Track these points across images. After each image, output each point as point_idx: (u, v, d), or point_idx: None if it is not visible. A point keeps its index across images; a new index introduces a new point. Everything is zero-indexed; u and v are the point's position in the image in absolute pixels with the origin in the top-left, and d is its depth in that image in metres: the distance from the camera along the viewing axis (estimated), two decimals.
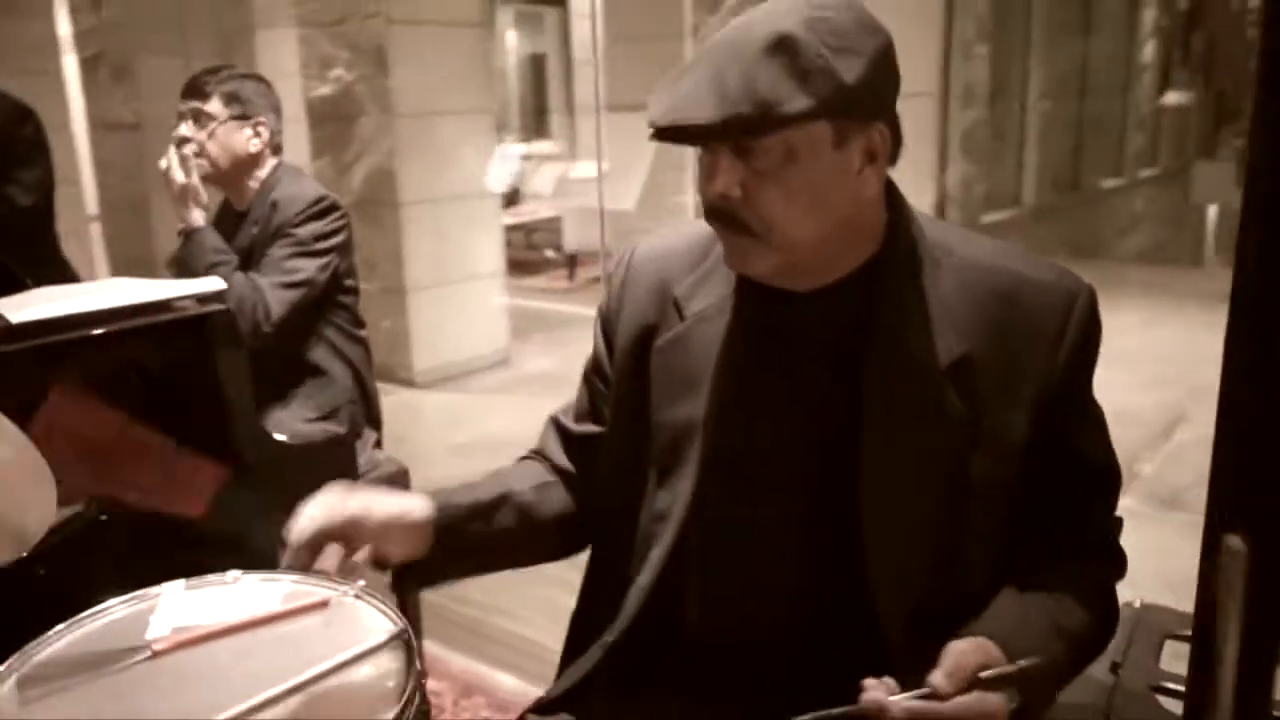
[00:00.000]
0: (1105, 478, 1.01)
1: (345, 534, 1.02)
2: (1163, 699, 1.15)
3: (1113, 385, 1.10)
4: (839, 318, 0.99)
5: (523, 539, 1.15)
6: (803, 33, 0.87)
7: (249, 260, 2.14)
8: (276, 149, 2.24)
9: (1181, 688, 1.14)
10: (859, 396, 0.97)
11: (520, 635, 2.56)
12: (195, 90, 2.18)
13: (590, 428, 1.18)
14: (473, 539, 1.10)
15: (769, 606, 1.02)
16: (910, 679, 0.85)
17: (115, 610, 1.17)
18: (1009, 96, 7.68)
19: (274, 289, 2.04)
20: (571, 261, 7.81)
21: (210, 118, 2.16)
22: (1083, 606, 0.97)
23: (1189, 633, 1.22)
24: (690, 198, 5.51)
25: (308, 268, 2.10)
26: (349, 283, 2.25)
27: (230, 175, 2.20)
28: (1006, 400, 0.95)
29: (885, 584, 0.96)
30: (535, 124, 12.63)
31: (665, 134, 0.91)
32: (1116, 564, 1.03)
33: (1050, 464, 0.98)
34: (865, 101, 0.90)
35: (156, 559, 1.20)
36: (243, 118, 2.18)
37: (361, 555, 1.02)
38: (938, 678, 0.82)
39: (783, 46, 0.86)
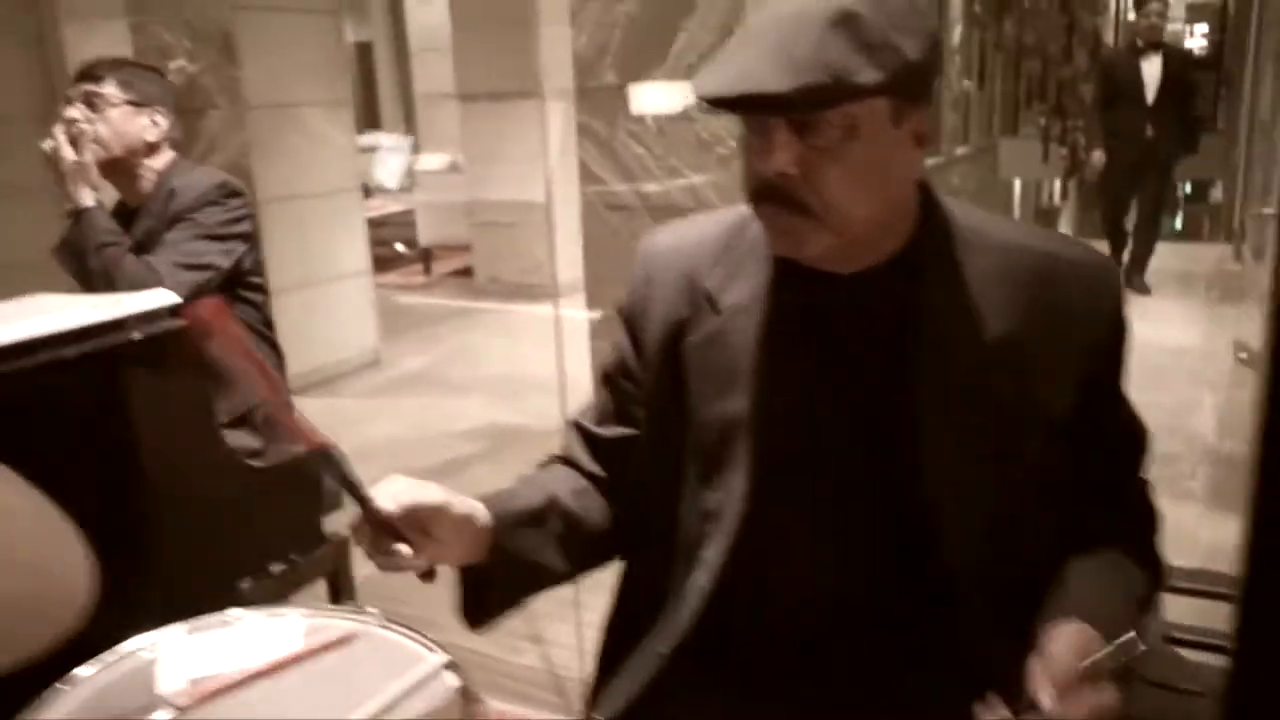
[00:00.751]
0: (1142, 441, 1.06)
1: (422, 524, 0.95)
2: (1177, 648, 1.23)
3: None
4: (883, 300, 0.99)
5: (571, 548, 1.09)
6: (864, 9, 0.87)
7: (143, 253, 1.95)
8: (175, 144, 2.08)
9: (1192, 636, 1.22)
10: (909, 379, 0.97)
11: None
12: (88, 74, 2.02)
13: (619, 430, 1.13)
14: (525, 549, 1.04)
15: (840, 596, 1.02)
16: (997, 666, 0.88)
17: (112, 665, 1.05)
18: None
19: (173, 271, 1.86)
20: (426, 256, 7.57)
21: (104, 100, 1.99)
22: (1142, 569, 1.02)
23: (1183, 585, 1.32)
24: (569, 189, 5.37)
25: (211, 252, 1.94)
26: (256, 279, 2.10)
27: (122, 163, 2.02)
28: (1053, 376, 0.98)
29: (962, 564, 0.97)
30: (365, 115, 12.18)
31: (730, 104, 0.88)
32: (1157, 521, 1.08)
33: (1097, 434, 1.02)
34: (922, 80, 0.91)
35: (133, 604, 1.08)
36: (139, 104, 2.02)
37: (423, 559, 0.95)
38: (1045, 697, 0.82)
39: (847, 20, 0.85)
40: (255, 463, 1.67)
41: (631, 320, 1.11)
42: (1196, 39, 10.62)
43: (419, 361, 5.26)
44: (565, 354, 5.02)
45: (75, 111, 1.98)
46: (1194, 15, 10.64)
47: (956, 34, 11.19)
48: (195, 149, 4.36)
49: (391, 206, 7.71)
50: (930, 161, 10.55)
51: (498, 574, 1.02)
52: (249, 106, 4.29)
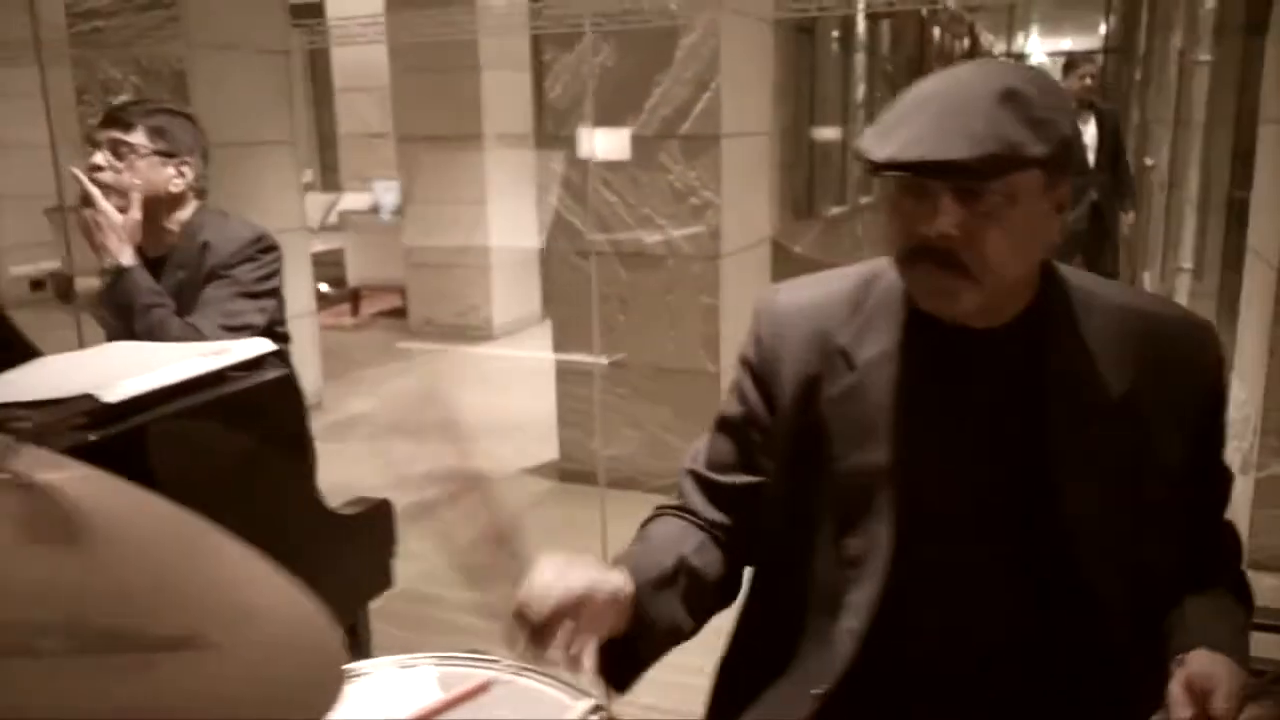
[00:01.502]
0: (1231, 484, 1.17)
1: (575, 613, 0.97)
2: None
3: None
4: (1012, 355, 1.06)
5: (697, 605, 1.13)
6: (1025, 86, 0.96)
7: (177, 306, 1.91)
8: (200, 193, 2.04)
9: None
10: (1041, 428, 1.05)
11: None
12: (116, 120, 1.96)
13: (740, 478, 1.17)
14: (664, 613, 1.07)
15: (988, 634, 1.08)
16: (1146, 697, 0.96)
17: None
18: None
19: (216, 334, 1.83)
20: (355, 296, 7.44)
21: (131, 149, 1.93)
22: (1240, 604, 1.11)
23: None
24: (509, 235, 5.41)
25: (249, 311, 1.93)
26: (281, 330, 2.08)
27: (144, 214, 1.96)
28: (1169, 429, 1.07)
29: (1105, 597, 1.05)
30: None
31: (906, 168, 0.96)
32: (1242, 556, 1.18)
33: (1204, 479, 1.12)
34: (1071, 153, 1.01)
35: None
36: (167, 155, 1.97)
37: (586, 650, 0.98)
38: (1219, 707, 0.90)
39: (1013, 97, 0.95)
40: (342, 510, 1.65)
41: (761, 376, 1.15)
42: None
43: (362, 404, 5.16)
44: (514, 395, 5.02)
45: (100, 158, 1.92)
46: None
47: (860, 92, 11.72)
48: None
49: (317, 245, 7.54)
50: (835, 210, 10.97)
51: (641, 639, 1.05)
52: None
